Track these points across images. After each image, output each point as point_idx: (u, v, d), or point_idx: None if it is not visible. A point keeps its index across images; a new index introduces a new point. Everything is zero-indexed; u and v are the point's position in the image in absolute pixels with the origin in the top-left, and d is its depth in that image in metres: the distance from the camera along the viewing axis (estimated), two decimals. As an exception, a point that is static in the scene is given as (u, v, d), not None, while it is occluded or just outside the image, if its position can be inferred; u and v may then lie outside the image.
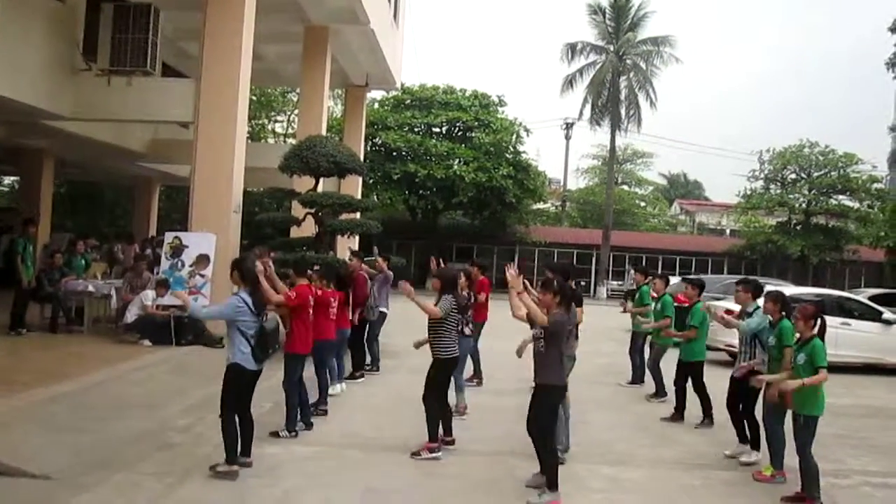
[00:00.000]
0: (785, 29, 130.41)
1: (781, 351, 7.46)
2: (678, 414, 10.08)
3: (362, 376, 11.72)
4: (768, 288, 9.30)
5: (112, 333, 12.99)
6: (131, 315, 12.51)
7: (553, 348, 6.68)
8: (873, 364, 15.37)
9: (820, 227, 39.36)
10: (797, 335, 7.12)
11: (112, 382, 9.74)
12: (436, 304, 7.92)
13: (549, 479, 6.60)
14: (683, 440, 9.14)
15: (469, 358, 11.46)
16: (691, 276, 11.60)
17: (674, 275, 29.20)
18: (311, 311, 8.34)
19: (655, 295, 11.70)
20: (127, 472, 6.62)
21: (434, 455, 7.70)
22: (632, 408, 10.86)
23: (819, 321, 6.86)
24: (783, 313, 7.68)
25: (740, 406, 8.36)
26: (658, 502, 6.93)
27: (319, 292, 8.99)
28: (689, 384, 10.12)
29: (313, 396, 9.10)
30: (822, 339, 6.82)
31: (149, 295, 12.53)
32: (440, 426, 7.93)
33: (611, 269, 39.23)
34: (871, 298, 18.11)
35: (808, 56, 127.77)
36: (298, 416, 8.36)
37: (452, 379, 9.16)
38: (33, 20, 12.70)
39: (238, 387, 6.84)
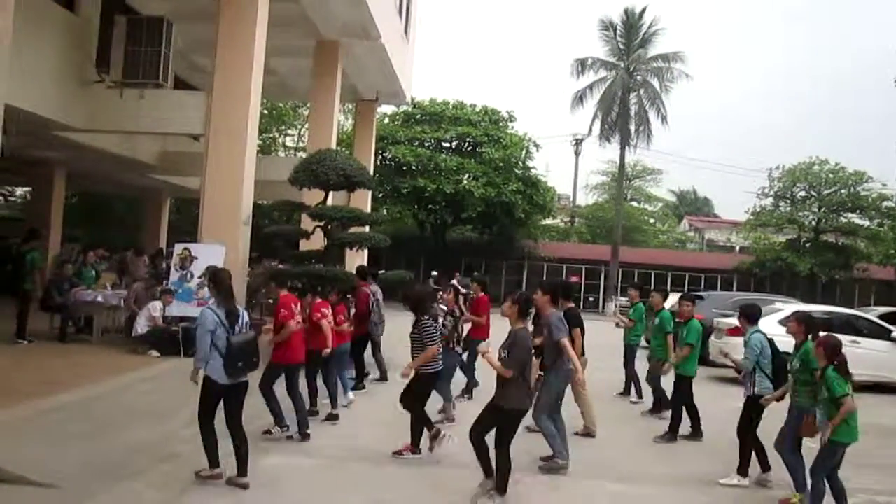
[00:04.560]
0: (792, 45, 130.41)
1: (809, 374, 7.23)
2: (672, 434, 9.96)
3: (364, 386, 11.86)
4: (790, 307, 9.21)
5: (121, 344, 13.04)
6: (141, 326, 12.56)
7: (519, 371, 6.68)
8: (882, 383, 15.31)
9: (829, 244, 39.24)
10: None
11: (119, 392, 9.78)
12: (414, 326, 8.22)
13: (499, 484, 6.68)
14: (689, 456, 9.12)
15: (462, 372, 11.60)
16: (686, 293, 11.55)
17: (683, 291, 29.18)
18: (295, 321, 8.54)
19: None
20: (131, 482, 6.64)
21: (415, 455, 8.03)
22: (637, 423, 10.83)
23: (837, 359, 6.74)
24: (807, 335, 7.48)
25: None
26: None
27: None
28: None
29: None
30: (845, 375, 6.70)
31: (156, 306, 12.58)
32: (422, 431, 8.16)
33: (619, 285, 39.05)
34: (881, 317, 18.02)
35: (816, 73, 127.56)
36: (283, 414, 8.60)
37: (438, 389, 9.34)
38: (47, 31, 12.81)
39: (210, 398, 6.73)
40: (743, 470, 8.07)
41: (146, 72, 13.28)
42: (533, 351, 7.00)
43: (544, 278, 37.30)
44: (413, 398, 8.17)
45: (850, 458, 8.56)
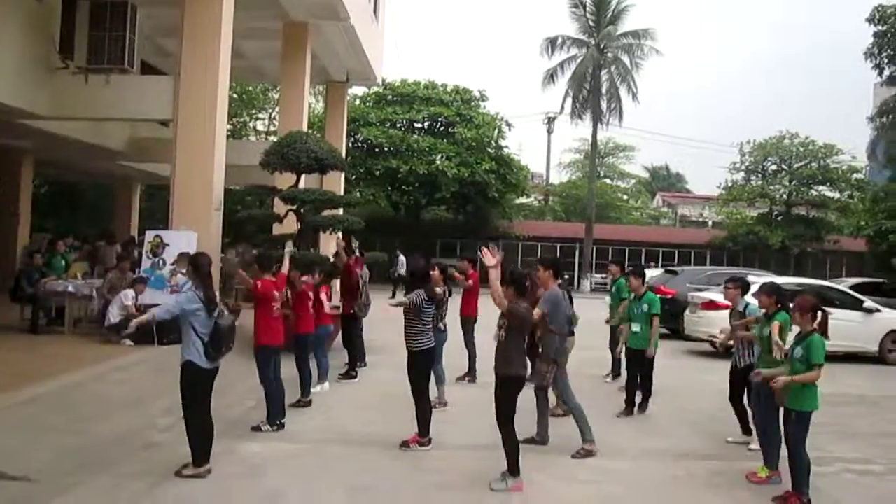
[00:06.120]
0: (764, 21, 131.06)
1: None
2: (629, 409, 10.05)
3: (356, 375, 11.68)
4: (762, 280, 9.34)
5: (94, 334, 12.89)
6: (114, 316, 12.41)
7: (513, 338, 6.81)
8: (855, 353, 15.50)
9: (801, 217, 39.58)
10: (796, 329, 6.95)
11: (94, 383, 9.66)
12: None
13: (509, 464, 6.73)
14: (668, 432, 9.19)
15: (466, 354, 11.59)
16: (632, 267, 11.44)
17: (657, 267, 29.34)
18: (274, 305, 8.38)
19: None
20: (108, 473, 6.58)
21: (423, 448, 7.81)
22: (615, 400, 10.83)
23: (820, 315, 6.71)
24: (779, 305, 7.59)
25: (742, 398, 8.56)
26: (645, 492, 6.96)
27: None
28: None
29: (292, 395, 9.14)
30: (826, 334, 6.67)
31: (129, 294, 12.42)
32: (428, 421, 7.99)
33: (594, 262, 39.26)
34: (853, 288, 18.25)
35: (787, 48, 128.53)
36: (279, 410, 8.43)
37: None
38: (8, 18, 12.54)
39: (195, 385, 6.68)
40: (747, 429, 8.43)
41: (111, 57, 13.02)
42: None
43: (519, 257, 37.50)
44: (412, 384, 7.94)
45: (825, 427, 8.72)
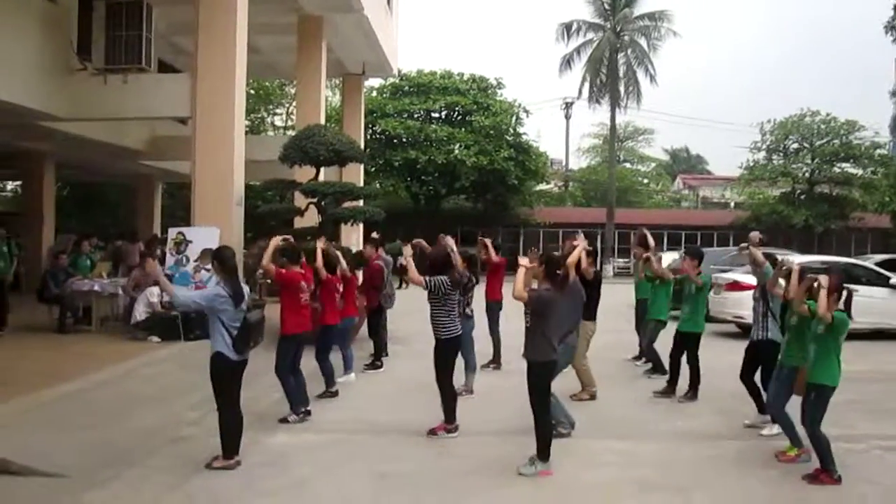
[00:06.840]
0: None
1: (802, 331, 7.12)
2: (671, 387, 9.91)
3: (382, 365, 11.68)
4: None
5: (121, 332, 13.02)
6: (140, 313, 12.55)
7: (538, 324, 6.80)
8: (882, 329, 15.35)
9: (824, 195, 39.24)
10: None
11: (122, 379, 9.78)
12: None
13: (540, 449, 6.73)
14: (693, 413, 9.12)
15: (491, 341, 11.57)
16: (689, 248, 11.31)
17: (680, 250, 29.15)
18: (302, 296, 8.37)
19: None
20: (139, 467, 6.65)
21: (450, 435, 7.81)
22: (640, 383, 10.83)
23: (845, 294, 6.64)
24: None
25: (756, 376, 8.39)
26: (674, 474, 6.91)
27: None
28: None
29: (315, 388, 9.17)
30: (849, 312, 6.60)
31: (154, 292, 12.55)
32: (454, 406, 7.97)
33: (616, 246, 39.13)
34: (879, 264, 18.04)
35: (806, 24, 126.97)
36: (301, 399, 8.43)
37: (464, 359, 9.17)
38: (26, 21, 12.67)
39: (222, 377, 6.71)
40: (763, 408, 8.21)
41: (128, 57, 13.12)
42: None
43: (541, 243, 37.38)
44: (437, 371, 7.91)
45: (854, 404, 8.65)
